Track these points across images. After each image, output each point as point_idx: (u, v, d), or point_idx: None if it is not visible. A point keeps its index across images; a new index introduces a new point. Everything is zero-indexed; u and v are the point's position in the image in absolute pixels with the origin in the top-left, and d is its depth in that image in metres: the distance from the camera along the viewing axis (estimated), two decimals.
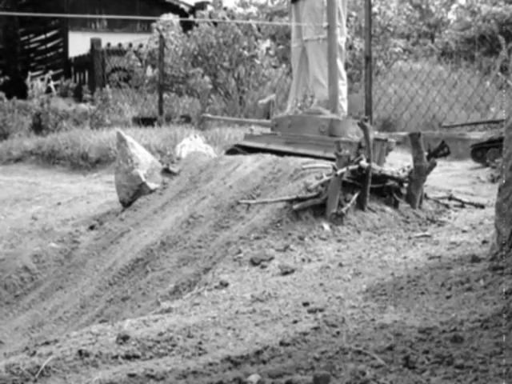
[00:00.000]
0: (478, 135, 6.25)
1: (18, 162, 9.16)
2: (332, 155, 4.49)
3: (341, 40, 8.30)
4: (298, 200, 3.93)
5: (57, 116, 11.01)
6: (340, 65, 8.34)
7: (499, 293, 2.48)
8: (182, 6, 18.51)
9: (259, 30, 10.87)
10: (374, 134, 4.61)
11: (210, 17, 10.80)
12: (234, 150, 5.59)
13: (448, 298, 2.59)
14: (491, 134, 6.01)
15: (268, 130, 5.85)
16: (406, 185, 4.19)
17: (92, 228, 5.21)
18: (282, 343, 2.24)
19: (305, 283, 3.07)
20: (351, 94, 9.46)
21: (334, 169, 3.90)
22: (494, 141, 5.81)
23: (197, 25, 10.79)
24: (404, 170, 4.24)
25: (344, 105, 8.41)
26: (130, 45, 13.87)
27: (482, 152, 5.86)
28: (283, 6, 11.92)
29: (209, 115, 8.31)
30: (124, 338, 2.39)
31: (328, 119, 5.17)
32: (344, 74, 8.54)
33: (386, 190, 4.16)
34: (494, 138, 5.83)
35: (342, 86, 8.32)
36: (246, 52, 10.19)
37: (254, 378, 1.94)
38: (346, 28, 8.71)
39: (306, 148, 5.08)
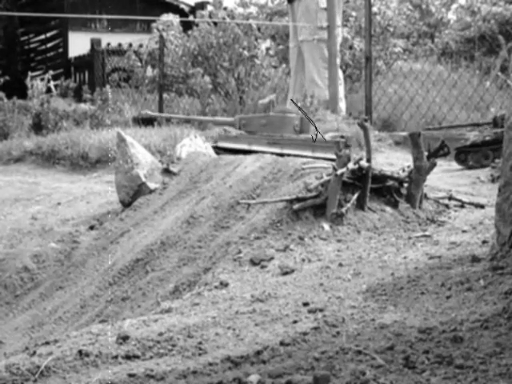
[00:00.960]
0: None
1: (18, 162, 9.14)
2: (320, 154, 4.62)
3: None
4: (298, 200, 3.93)
5: (57, 116, 10.98)
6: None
7: (499, 293, 2.48)
8: (182, 6, 18.49)
9: (259, 30, 10.87)
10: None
11: (210, 17, 10.79)
12: None
13: (448, 298, 2.59)
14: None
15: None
16: (406, 185, 4.19)
17: (92, 228, 5.21)
18: (282, 343, 2.24)
19: (305, 283, 3.07)
20: (351, 94, 9.46)
21: (334, 169, 3.90)
22: (477, 145, 6.07)
23: (197, 25, 10.78)
24: (404, 170, 4.23)
25: (342, 104, 8.44)
26: (130, 45, 13.85)
27: (465, 155, 6.06)
28: (283, 6, 11.93)
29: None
30: (124, 338, 2.39)
31: (299, 118, 5.29)
32: (340, 73, 8.57)
33: (385, 189, 4.16)
34: (476, 142, 6.02)
35: (339, 86, 8.35)
36: (246, 52, 10.18)
37: (253, 378, 1.94)
38: (341, 29, 8.74)
39: (293, 148, 5.15)
